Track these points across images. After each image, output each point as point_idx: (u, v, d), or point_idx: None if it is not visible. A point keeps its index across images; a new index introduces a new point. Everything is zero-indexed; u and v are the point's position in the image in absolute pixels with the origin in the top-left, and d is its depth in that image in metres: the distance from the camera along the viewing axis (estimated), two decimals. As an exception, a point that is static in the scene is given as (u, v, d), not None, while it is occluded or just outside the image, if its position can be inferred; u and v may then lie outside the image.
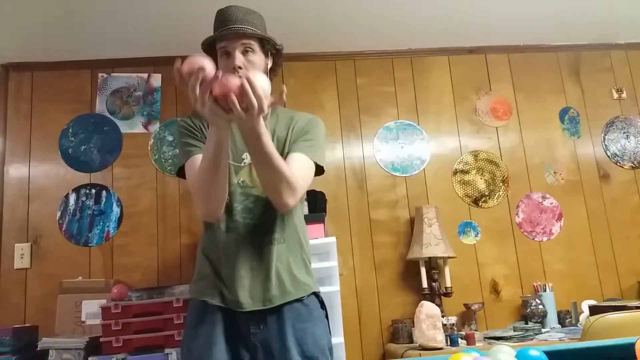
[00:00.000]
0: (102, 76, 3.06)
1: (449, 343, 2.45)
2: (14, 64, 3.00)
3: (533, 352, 0.97)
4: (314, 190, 2.72)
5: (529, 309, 2.78)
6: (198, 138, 1.49)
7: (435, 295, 2.80)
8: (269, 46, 1.52)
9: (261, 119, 1.24)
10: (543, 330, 2.66)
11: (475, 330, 2.72)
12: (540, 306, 2.77)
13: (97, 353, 2.25)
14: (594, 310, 2.39)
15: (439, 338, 2.34)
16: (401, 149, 3.15)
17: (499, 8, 2.87)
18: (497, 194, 3.15)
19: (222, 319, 1.42)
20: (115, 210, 2.90)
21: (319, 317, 1.49)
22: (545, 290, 2.90)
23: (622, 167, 3.26)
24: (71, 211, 2.87)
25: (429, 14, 2.88)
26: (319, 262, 2.43)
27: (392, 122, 3.18)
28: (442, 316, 2.55)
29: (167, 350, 2.24)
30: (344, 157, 3.11)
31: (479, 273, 3.02)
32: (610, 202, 3.18)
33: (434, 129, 3.20)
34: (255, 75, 1.20)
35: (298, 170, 1.41)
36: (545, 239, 3.11)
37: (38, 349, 2.27)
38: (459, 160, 3.17)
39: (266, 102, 1.19)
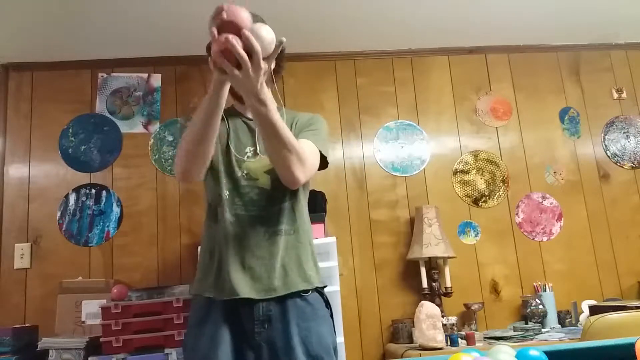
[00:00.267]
0: (102, 76, 3.06)
1: (449, 343, 2.45)
2: (14, 64, 3.00)
3: (533, 352, 0.96)
4: (314, 190, 2.72)
5: (529, 309, 2.78)
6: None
7: (435, 295, 2.80)
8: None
9: (265, 87, 1.22)
10: (543, 330, 2.66)
11: (475, 330, 2.72)
12: (540, 306, 2.77)
13: (97, 353, 2.24)
14: (594, 310, 2.39)
15: (439, 338, 2.34)
16: (401, 149, 3.15)
17: (499, 8, 2.87)
18: (497, 194, 3.15)
19: (226, 318, 1.41)
20: (115, 210, 2.90)
21: (324, 316, 1.49)
22: (545, 290, 2.90)
23: (622, 167, 3.26)
24: (71, 211, 2.87)
25: (429, 14, 2.88)
26: (319, 262, 2.43)
27: (392, 122, 3.18)
28: (442, 316, 2.55)
29: (167, 350, 2.24)
30: (344, 157, 3.11)
31: (479, 273, 3.02)
32: (610, 202, 3.18)
33: (434, 129, 3.20)
34: (258, 27, 1.16)
35: (306, 148, 1.41)
36: (545, 239, 3.11)
37: (38, 349, 2.27)
38: (459, 160, 3.17)
39: (267, 54, 1.15)
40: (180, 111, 3.04)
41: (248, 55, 1.14)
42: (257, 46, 1.13)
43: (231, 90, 1.60)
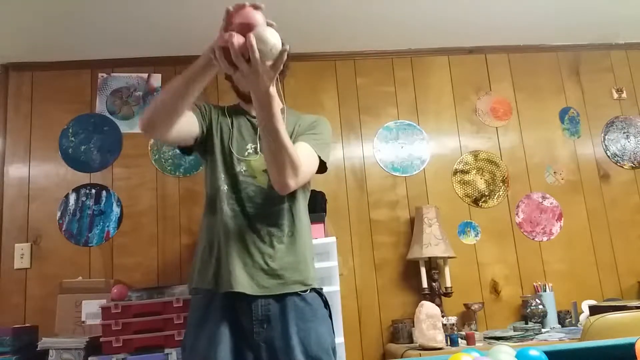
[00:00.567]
0: (102, 76, 3.06)
1: (449, 343, 2.45)
2: (14, 64, 3.00)
3: (533, 352, 0.97)
4: (314, 190, 2.71)
5: (529, 309, 2.78)
6: (201, 111, 1.54)
7: (435, 295, 2.80)
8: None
9: (271, 91, 1.22)
10: (543, 330, 2.66)
11: (475, 330, 2.72)
12: (540, 306, 2.77)
13: (97, 353, 2.24)
14: (594, 310, 2.39)
15: (439, 338, 2.34)
16: (401, 149, 3.15)
17: (499, 8, 2.87)
18: (497, 194, 3.15)
19: (225, 318, 1.41)
20: (115, 210, 2.90)
21: (323, 316, 1.49)
22: (545, 290, 2.90)
23: (622, 167, 3.26)
24: (71, 211, 2.87)
25: (429, 14, 2.88)
26: (319, 262, 2.42)
27: (392, 122, 3.18)
28: (442, 316, 2.55)
29: (167, 350, 2.24)
30: (344, 157, 3.11)
31: (479, 273, 3.02)
32: (610, 202, 3.18)
33: (434, 129, 3.20)
34: (262, 31, 1.15)
35: (303, 156, 1.41)
36: (545, 239, 3.11)
37: (38, 349, 2.27)
38: (459, 160, 3.17)
39: (270, 58, 1.15)
40: (180, 111, 3.04)
41: (247, 59, 1.13)
42: (256, 53, 1.12)
43: (235, 89, 1.62)
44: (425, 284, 2.81)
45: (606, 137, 3.29)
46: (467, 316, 2.83)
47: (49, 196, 2.88)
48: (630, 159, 3.28)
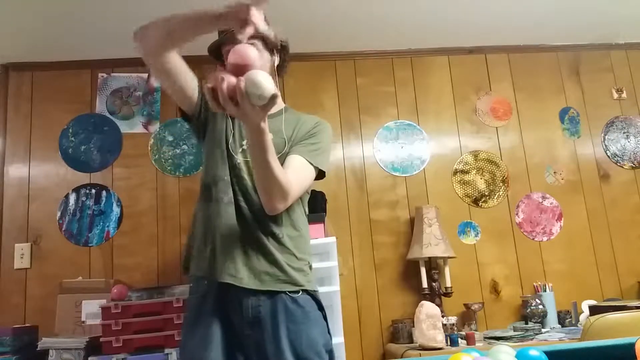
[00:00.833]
0: (102, 76, 3.06)
1: (449, 343, 2.45)
2: (14, 64, 3.00)
3: (533, 352, 0.97)
4: (314, 190, 2.72)
5: (529, 309, 2.78)
6: (194, 83, 1.53)
7: (435, 295, 2.80)
8: (272, 43, 1.52)
9: (264, 124, 1.21)
10: (543, 330, 2.66)
11: (475, 330, 2.72)
12: (540, 306, 2.77)
13: (97, 353, 2.24)
14: (594, 310, 2.39)
15: (439, 338, 2.34)
16: (401, 149, 3.15)
17: (499, 8, 2.87)
18: (497, 194, 3.15)
19: (218, 318, 1.41)
20: (115, 210, 2.90)
21: (315, 318, 1.47)
22: (545, 290, 2.90)
23: (622, 167, 3.26)
24: (71, 211, 2.87)
25: (429, 14, 2.88)
26: (319, 262, 2.43)
27: (392, 122, 3.18)
28: (442, 316, 2.55)
29: (167, 350, 2.24)
30: (344, 157, 3.11)
31: (479, 273, 3.02)
32: (610, 202, 3.18)
33: (434, 129, 3.20)
34: (255, 75, 1.14)
35: (295, 175, 1.41)
36: (545, 239, 3.11)
37: (38, 349, 2.27)
38: (459, 160, 3.17)
39: (261, 103, 1.14)
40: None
41: (235, 101, 1.14)
42: (245, 100, 1.12)
43: None
44: (425, 284, 2.81)
45: (606, 137, 3.29)
46: (467, 316, 2.83)
47: (49, 196, 2.88)
48: (630, 159, 3.28)
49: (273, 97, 1.13)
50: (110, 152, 2.97)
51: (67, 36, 2.80)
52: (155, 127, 3.03)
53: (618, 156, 3.27)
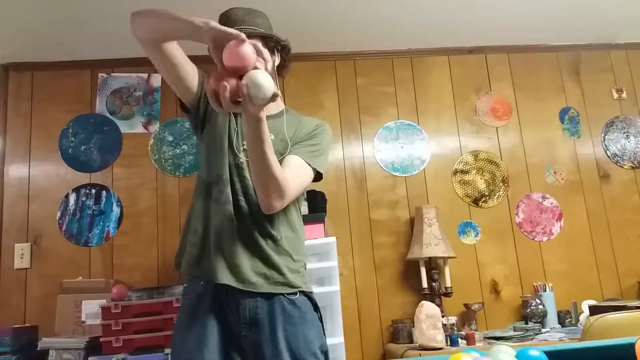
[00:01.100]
0: (102, 76, 3.06)
1: (449, 343, 2.45)
2: (14, 64, 3.00)
3: (533, 352, 0.97)
4: (314, 190, 2.72)
5: (529, 309, 2.78)
6: (195, 75, 1.50)
7: (435, 295, 2.80)
8: (272, 43, 1.51)
9: (262, 113, 1.21)
10: (543, 330, 2.66)
11: (475, 330, 2.72)
12: (540, 306, 2.77)
13: (97, 353, 2.24)
14: (594, 310, 2.39)
15: (439, 338, 2.34)
16: (401, 149, 3.15)
17: (499, 8, 2.87)
18: (497, 194, 3.15)
19: (214, 318, 1.40)
20: (115, 210, 2.90)
21: (312, 320, 1.47)
22: (545, 290, 2.90)
23: (622, 167, 3.26)
24: (71, 211, 2.87)
25: (429, 14, 2.88)
26: (319, 262, 2.43)
27: (392, 122, 3.18)
28: (442, 316, 2.55)
29: (167, 350, 2.24)
30: (344, 157, 3.11)
31: (479, 273, 3.02)
32: (610, 202, 3.18)
33: (434, 129, 3.20)
34: (253, 75, 1.14)
35: (293, 174, 1.41)
36: (545, 239, 3.11)
37: (38, 349, 2.27)
38: (459, 160, 3.17)
39: (261, 101, 1.15)
40: (180, 111, 3.03)
41: (237, 100, 1.14)
42: (248, 102, 1.13)
43: None
44: (425, 284, 2.81)
45: (606, 137, 3.29)
46: (467, 316, 2.83)
47: (49, 196, 2.88)
48: (630, 159, 3.28)
49: (274, 96, 1.14)
50: (110, 152, 2.97)
51: (67, 36, 2.81)
52: (155, 127, 3.03)
53: (618, 156, 3.27)
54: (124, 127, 3.01)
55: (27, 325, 2.57)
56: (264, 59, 1.18)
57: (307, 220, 2.48)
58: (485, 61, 3.33)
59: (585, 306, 2.73)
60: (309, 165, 1.48)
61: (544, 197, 3.16)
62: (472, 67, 3.30)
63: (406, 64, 3.27)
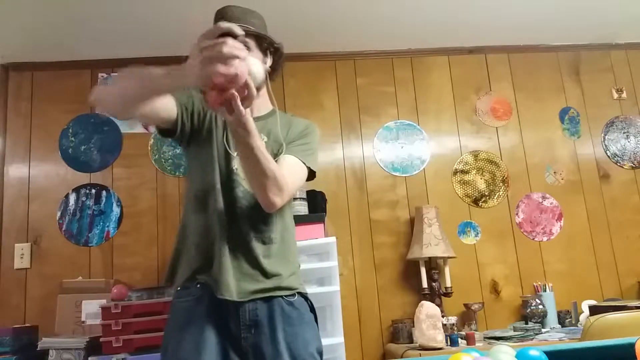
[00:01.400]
0: (102, 76, 3.06)
1: (449, 343, 2.45)
2: (14, 64, 3.00)
3: (533, 352, 0.97)
4: (314, 190, 2.72)
5: (529, 309, 2.78)
6: (186, 101, 1.48)
7: (435, 295, 2.80)
8: (266, 44, 1.51)
9: (249, 118, 1.20)
10: (543, 330, 2.66)
11: (475, 330, 2.72)
12: (540, 306, 2.77)
13: (97, 353, 2.24)
14: (594, 310, 2.39)
15: (439, 338, 2.34)
16: (401, 149, 3.15)
17: (499, 8, 2.87)
18: (497, 194, 3.15)
19: (211, 322, 1.39)
20: (115, 210, 2.90)
21: (309, 321, 1.47)
22: (545, 290, 2.90)
23: (622, 167, 3.26)
24: (71, 211, 2.87)
25: (429, 14, 2.88)
26: (319, 262, 2.43)
27: (392, 122, 3.18)
28: (442, 316, 2.55)
29: (167, 350, 2.24)
30: (344, 157, 3.11)
31: (479, 273, 3.02)
32: (610, 202, 3.18)
33: (434, 129, 3.20)
34: (250, 65, 1.13)
35: (290, 172, 1.41)
36: (545, 239, 3.11)
37: (38, 349, 2.27)
38: (459, 160, 3.17)
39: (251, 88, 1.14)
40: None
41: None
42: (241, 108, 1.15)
43: None
44: (425, 284, 2.81)
45: (606, 137, 3.29)
46: (467, 316, 2.83)
47: (49, 196, 2.88)
48: (630, 159, 3.28)
49: (262, 82, 1.21)
50: (110, 152, 2.97)
51: (67, 36, 2.81)
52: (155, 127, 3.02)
53: (618, 156, 3.27)
54: (124, 127, 3.01)
55: (27, 325, 2.57)
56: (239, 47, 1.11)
57: (307, 220, 2.50)
58: (485, 61, 3.33)
59: (585, 306, 2.73)
60: (304, 163, 1.48)
61: (544, 197, 3.16)
62: (472, 67, 3.30)
63: (406, 64, 3.27)
